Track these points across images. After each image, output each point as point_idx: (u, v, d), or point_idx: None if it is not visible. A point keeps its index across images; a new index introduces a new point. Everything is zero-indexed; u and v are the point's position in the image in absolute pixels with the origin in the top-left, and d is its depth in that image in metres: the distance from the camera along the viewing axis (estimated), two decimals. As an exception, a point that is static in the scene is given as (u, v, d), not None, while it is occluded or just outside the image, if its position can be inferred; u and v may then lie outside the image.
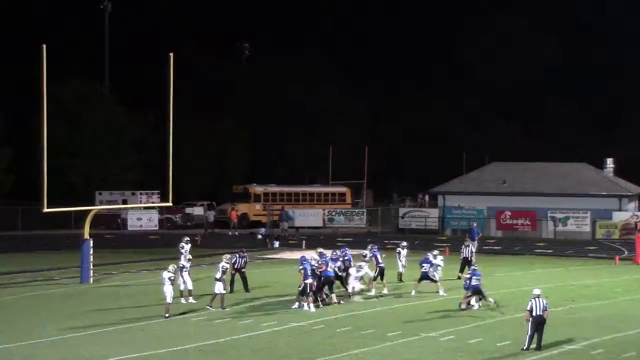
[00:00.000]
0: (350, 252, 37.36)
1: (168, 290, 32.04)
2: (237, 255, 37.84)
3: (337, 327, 29.86)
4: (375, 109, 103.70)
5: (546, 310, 26.61)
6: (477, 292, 32.98)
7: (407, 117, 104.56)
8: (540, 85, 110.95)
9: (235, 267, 37.43)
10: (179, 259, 37.50)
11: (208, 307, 33.16)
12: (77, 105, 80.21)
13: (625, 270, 46.60)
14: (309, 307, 32.99)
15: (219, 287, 33.26)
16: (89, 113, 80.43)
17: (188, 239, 40.39)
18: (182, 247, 39.31)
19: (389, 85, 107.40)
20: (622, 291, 38.70)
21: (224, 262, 33.70)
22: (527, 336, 26.55)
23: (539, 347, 26.51)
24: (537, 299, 26.54)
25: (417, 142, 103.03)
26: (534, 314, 26.46)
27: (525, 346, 26.48)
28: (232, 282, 37.25)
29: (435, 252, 37.92)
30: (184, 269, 35.35)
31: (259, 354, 26.06)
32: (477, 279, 32.96)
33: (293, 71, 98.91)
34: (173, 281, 32.58)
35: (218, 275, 33.29)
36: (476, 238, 51.21)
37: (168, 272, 32.52)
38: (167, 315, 31.74)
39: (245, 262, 37.92)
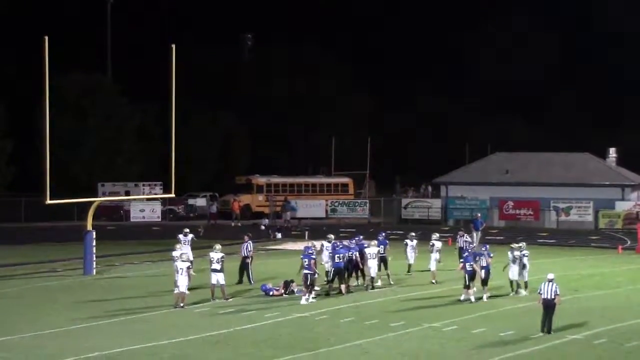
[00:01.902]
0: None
1: (181, 280, 31.88)
2: (245, 242, 37.66)
3: (340, 318, 29.86)
4: (377, 100, 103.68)
5: (557, 295, 27.20)
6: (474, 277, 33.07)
7: (410, 107, 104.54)
8: (542, 75, 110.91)
9: (242, 254, 37.25)
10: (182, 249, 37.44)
11: (213, 300, 33.03)
12: (80, 96, 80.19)
13: (628, 259, 46.62)
14: (307, 299, 32.76)
15: (217, 278, 33.13)
16: (91, 104, 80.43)
17: (187, 230, 40.42)
18: (184, 239, 39.36)
19: (391, 77, 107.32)
20: (625, 281, 38.71)
21: (218, 253, 33.46)
22: (541, 320, 27.28)
23: (548, 331, 27.08)
24: (547, 283, 27.25)
25: (419, 132, 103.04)
26: (543, 297, 27.15)
27: (540, 329, 27.24)
28: (241, 272, 37.10)
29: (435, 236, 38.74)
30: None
31: (263, 345, 26.05)
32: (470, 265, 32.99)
33: (295, 61, 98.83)
34: (190, 269, 32.32)
35: (218, 267, 33.14)
36: (480, 228, 51.42)
37: (183, 261, 32.39)
38: (182, 304, 31.66)
39: (249, 250, 37.72)
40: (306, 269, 32.94)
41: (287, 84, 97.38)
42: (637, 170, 72.82)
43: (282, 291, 34.38)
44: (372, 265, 35.88)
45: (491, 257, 33.74)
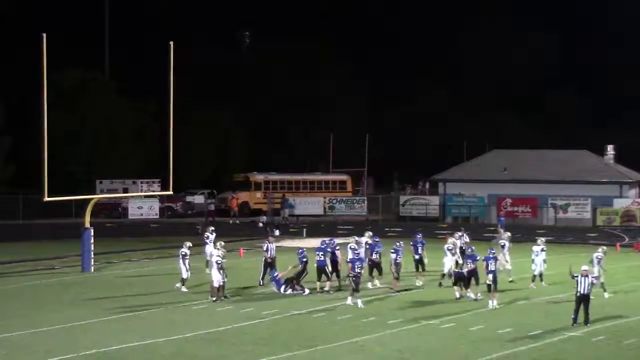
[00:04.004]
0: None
1: (215, 274, 32.01)
2: (267, 242, 37.15)
3: (338, 315, 29.87)
4: (375, 96, 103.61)
5: (575, 275, 28.29)
6: (459, 278, 32.79)
7: (408, 105, 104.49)
8: (540, 72, 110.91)
9: (270, 255, 36.36)
10: (204, 248, 38.03)
11: (211, 299, 32.90)
12: (78, 93, 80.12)
13: (626, 257, 46.64)
14: (358, 302, 31.68)
15: (217, 277, 33.04)
16: (90, 101, 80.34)
17: (213, 228, 40.46)
18: (207, 237, 39.41)
19: (389, 73, 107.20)
20: (623, 278, 38.66)
21: (220, 250, 33.36)
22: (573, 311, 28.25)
23: (586, 322, 28.02)
24: (582, 277, 28.15)
25: (417, 129, 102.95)
26: (578, 289, 28.04)
27: (572, 321, 28.04)
28: (264, 272, 36.51)
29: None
30: (186, 257, 35.01)
31: (260, 342, 26.04)
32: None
33: (293, 58, 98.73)
34: (221, 264, 32.26)
35: (217, 265, 33.03)
36: (503, 226, 51.32)
37: (217, 256, 32.59)
38: (214, 299, 31.98)
39: (272, 252, 36.87)
40: (354, 268, 31.99)
41: (285, 80, 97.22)
42: (635, 168, 72.90)
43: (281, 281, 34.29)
44: (447, 261, 35.78)
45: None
